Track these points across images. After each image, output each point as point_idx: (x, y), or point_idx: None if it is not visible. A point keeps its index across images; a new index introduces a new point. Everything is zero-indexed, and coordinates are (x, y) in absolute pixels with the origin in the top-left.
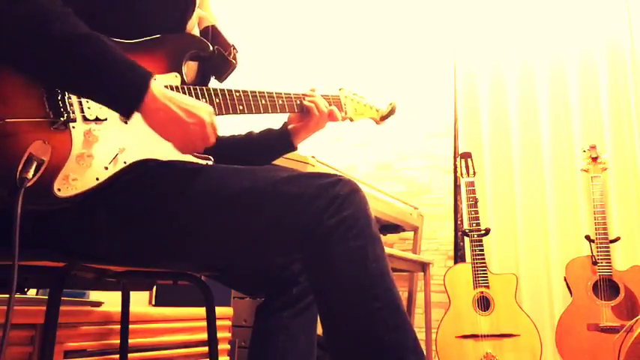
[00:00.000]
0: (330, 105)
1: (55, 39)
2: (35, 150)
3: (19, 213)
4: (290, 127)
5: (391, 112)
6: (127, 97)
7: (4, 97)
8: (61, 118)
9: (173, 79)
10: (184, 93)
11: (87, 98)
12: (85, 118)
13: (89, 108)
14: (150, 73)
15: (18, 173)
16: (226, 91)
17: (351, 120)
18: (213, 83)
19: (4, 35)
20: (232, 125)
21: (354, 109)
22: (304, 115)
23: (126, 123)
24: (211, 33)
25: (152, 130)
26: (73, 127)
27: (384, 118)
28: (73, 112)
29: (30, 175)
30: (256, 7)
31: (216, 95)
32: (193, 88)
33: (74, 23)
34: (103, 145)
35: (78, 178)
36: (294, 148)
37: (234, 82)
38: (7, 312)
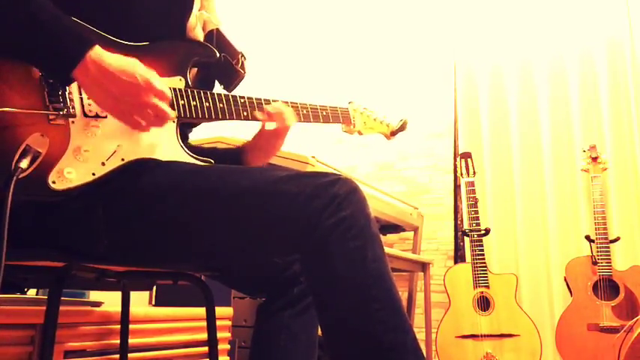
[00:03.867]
0: (340, 117)
1: None
2: (32, 142)
3: (10, 200)
4: (245, 146)
5: (402, 127)
6: (57, 69)
7: (4, 91)
8: (61, 113)
9: (177, 82)
10: (189, 95)
11: (25, 61)
12: (84, 114)
13: (90, 104)
14: (87, 45)
15: (13, 163)
16: (230, 97)
17: (360, 133)
18: (221, 92)
19: None
20: (241, 130)
21: (363, 123)
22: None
23: None
24: (216, 37)
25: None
26: (72, 122)
27: (394, 133)
28: (73, 108)
29: (24, 165)
30: (255, 11)
31: (220, 100)
32: (197, 92)
33: None
34: (102, 141)
35: (73, 172)
36: None
37: (240, 91)
38: None
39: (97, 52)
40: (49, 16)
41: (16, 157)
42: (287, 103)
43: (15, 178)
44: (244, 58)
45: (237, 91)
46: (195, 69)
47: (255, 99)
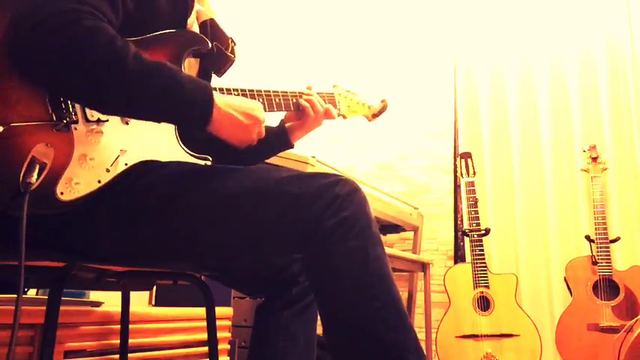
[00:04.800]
0: (325, 103)
1: (133, 73)
2: (38, 153)
3: (25, 220)
4: (287, 125)
5: (383, 109)
6: (199, 114)
7: (6, 99)
8: (64, 120)
9: None
10: None
11: (159, 121)
12: (86, 119)
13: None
14: (208, 86)
15: (21, 177)
16: (225, 90)
17: (344, 117)
18: (214, 80)
19: (81, 75)
20: None
21: (347, 107)
22: (301, 114)
23: (127, 124)
24: (210, 27)
25: (217, 135)
26: (75, 129)
27: (375, 115)
28: (75, 114)
29: (34, 179)
30: (257, 4)
31: None
32: None
33: (142, 55)
34: (105, 147)
35: (80, 182)
36: (291, 146)
37: (231, 77)
38: (14, 316)
39: (214, 92)
40: (181, 77)
41: (23, 170)
42: (278, 92)
43: (27, 195)
44: (234, 43)
45: (228, 79)
46: (196, 61)
47: (248, 90)
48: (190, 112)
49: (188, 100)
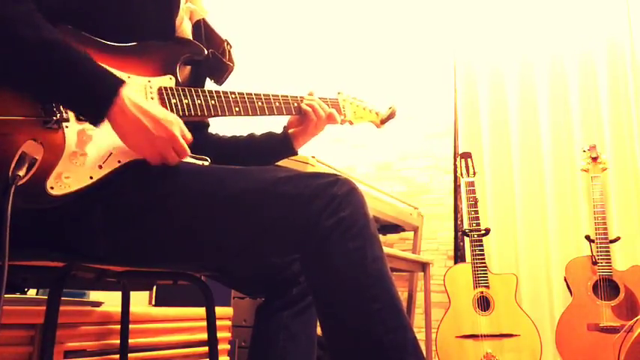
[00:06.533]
0: (328, 108)
1: (23, 42)
2: (28, 149)
3: (9, 210)
4: (290, 131)
5: (391, 115)
6: (93, 107)
7: None
8: (54, 118)
9: (167, 81)
10: (180, 94)
11: (53, 103)
12: (78, 118)
13: None
14: (119, 83)
15: (10, 171)
16: (222, 93)
17: (351, 123)
18: (212, 87)
19: None
20: (232, 127)
21: (353, 113)
22: (303, 119)
23: None
24: (203, 27)
25: (120, 140)
26: (67, 127)
27: (384, 121)
28: (66, 112)
29: (22, 173)
30: (254, 7)
31: (212, 97)
32: (188, 90)
33: (40, 26)
34: (97, 144)
35: (71, 177)
36: (294, 153)
37: (231, 83)
38: None
39: (127, 90)
40: (78, 59)
41: (13, 164)
42: (278, 96)
43: (14, 186)
44: (230, 46)
45: (228, 85)
46: (188, 67)
47: (247, 94)
48: (84, 101)
49: (82, 87)
